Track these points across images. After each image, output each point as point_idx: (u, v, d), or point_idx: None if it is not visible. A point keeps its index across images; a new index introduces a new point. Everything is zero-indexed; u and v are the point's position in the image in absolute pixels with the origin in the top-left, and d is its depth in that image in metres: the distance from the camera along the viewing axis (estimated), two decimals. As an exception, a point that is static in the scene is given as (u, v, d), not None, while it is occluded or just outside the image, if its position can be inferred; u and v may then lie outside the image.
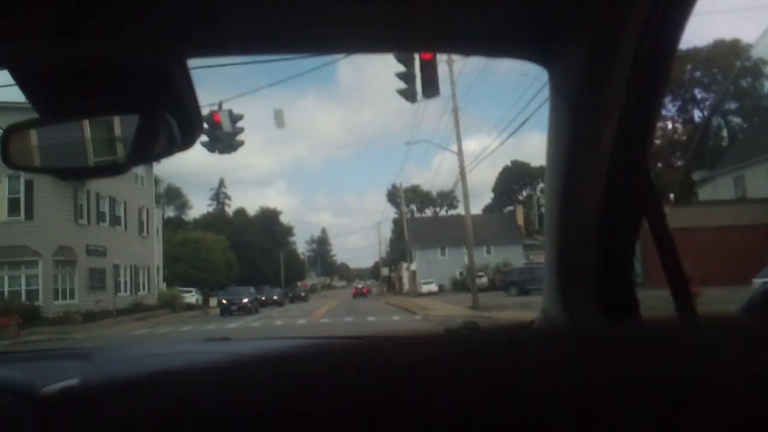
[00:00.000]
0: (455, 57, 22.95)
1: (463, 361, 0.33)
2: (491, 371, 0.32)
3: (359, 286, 73.58)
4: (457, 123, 24.67)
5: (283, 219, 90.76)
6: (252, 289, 39.02)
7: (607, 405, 0.29)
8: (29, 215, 26.31)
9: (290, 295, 55.85)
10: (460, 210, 50.60)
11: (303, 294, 59.17)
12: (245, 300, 34.05)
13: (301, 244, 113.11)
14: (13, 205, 26.31)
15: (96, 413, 0.33)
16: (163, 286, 40.20)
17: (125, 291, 32.18)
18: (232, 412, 0.31)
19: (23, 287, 25.92)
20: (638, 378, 0.30)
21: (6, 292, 25.28)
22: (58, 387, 1.27)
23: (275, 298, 44.49)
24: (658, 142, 39.30)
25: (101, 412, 0.33)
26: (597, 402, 0.29)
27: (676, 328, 0.39)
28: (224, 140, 14.02)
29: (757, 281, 14.10)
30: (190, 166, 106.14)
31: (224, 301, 34.14)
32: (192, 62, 1.12)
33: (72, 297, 27.57)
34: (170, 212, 70.55)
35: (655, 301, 1.33)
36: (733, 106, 46.11)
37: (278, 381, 0.34)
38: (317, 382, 0.32)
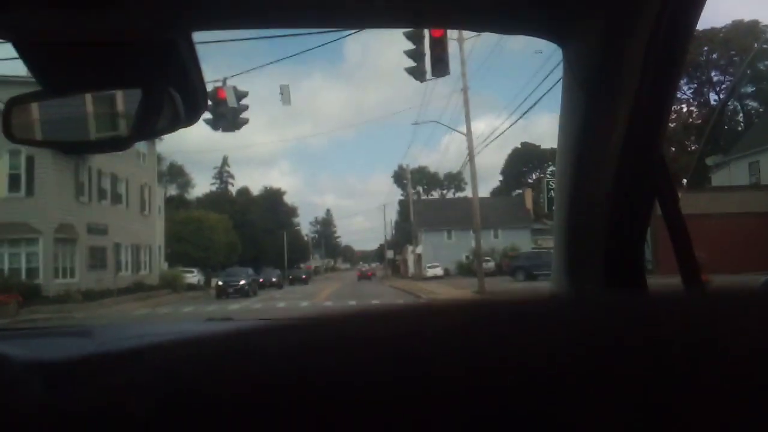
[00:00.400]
0: (466, 35, 22.58)
1: (472, 331, 0.33)
2: (500, 341, 0.32)
3: (364, 268, 73.66)
4: (466, 103, 24.18)
5: (288, 199, 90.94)
6: (250, 271, 37.13)
7: (616, 374, 0.29)
8: (30, 192, 26.10)
9: (290, 277, 54.38)
10: (468, 192, 50.32)
11: (304, 276, 56.87)
12: (242, 282, 32.45)
13: (305, 225, 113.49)
14: (13, 182, 26.07)
15: (97, 380, 0.34)
16: (165, 265, 40.08)
17: (126, 270, 31.99)
18: (234, 381, 0.31)
19: (23, 265, 25.74)
20: (648, 347, 0.30)
21: (6, 270, 25.15)
22: (60, 359, 0.99)
23: (274, 280, 42.89)
24: (672, 125, 38.93)
25: (102, 379, 0.34)
26: (606, 371, 0.29)
27: (685, 298, 0.40)
28: (228, 117, 13.91)
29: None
30: (194, 144, 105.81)
31: (220, 284, 32.77)
32: (197, 37, 1.11)
33: (72, 275, 27.41)
34: (172, 190, 70.30)
35: (665, 287, 0.99)
36: (750, 89, 45.62)
37: (281, 353, 0.34)
38: (322, 355, 0.32)
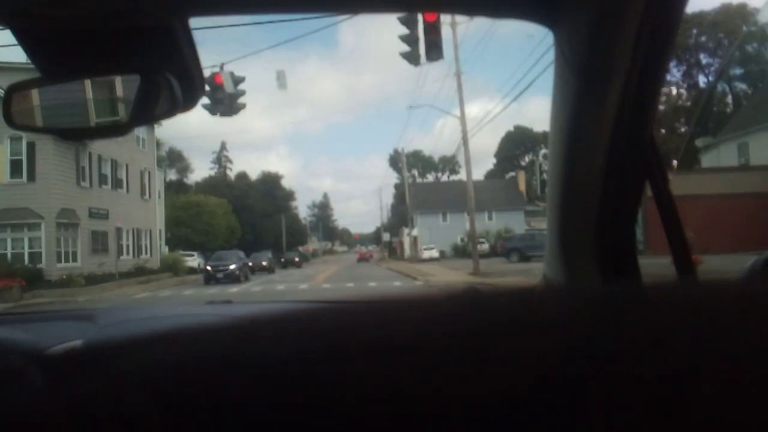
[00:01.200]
0: (459, 19, 22.82)
1: (466, 321, 0.33)
2: (494, 331, 0.31)
3: (363, 251, 78.41)
4: (460, 87, 24.50)
5: (285, 183, 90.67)
6: (241, 254, 34.27)
7: (608, 365, 0.28)
8: (31, 177, 26.23)
9: (281, 260, 50.89)
10: (462, 176, 50.49)
11: (296, 259, 52.90)
12: (233, 266, 30.08)
13: (302, 209, 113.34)
14: (15, 167, 26.20)
15: (100, 369, 0.33)
16: (165, 249, 40.09)
17: (128, 254, 32.23)
18: (236, 366, 0.30)
19: (26, 250, 25.96)
20: (640, 337, 0.29)
21: (9, 255, 25.34)
22: (63, 347, 1.29)
23: (264, 264, 39.75)
24: (662, 107, 39.04)
25: (106, 367, 0.33)
26: (598, 361, 0.29)
27: (676, 288, 0.39)
28: (226, 103, 14.00)
29: None
30: (192, 129, 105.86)
31: (208, 268, 30.28)
32: (194, 23, 1.11)
33: (75, 260, 27.62)
34: (172, 175, 70.44)
35: (656, 268, 1.34)
36: (738, 71, 45.72)
37: (281, 338, 0.33)
38: (321, 341, 0.32)
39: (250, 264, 36.10)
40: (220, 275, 29.24)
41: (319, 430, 0.25)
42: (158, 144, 42.52)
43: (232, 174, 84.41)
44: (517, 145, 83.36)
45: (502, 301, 0.35)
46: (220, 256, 32.77)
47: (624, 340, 0.30)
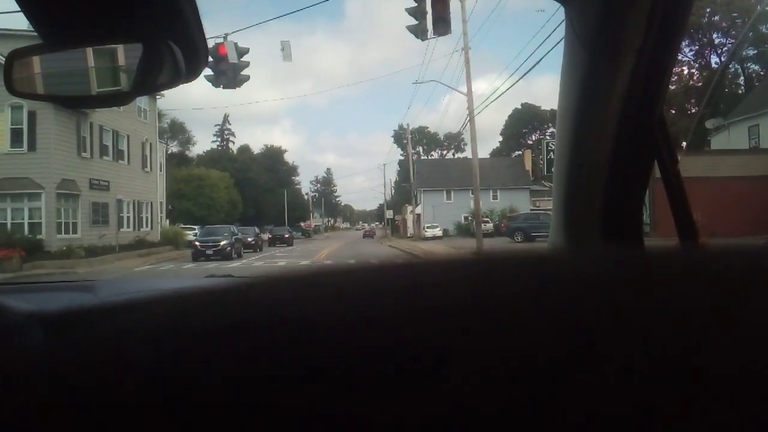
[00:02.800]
0: (468, -7, 22.35)
1: (471, 285, 0.33)
2: (503, 294, 0.31)
3: (367, 228, 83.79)
4: (467, 62, 24.05)
5: (288, 158, 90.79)
6: (233, 228, 31.65)
7: (614, 327, 0.28)
8: (32, 147, 26.06)
9: (269, 236, 45.48)
10: (467, 153, 50.25)
11: (286, 235, 47.01)
12: (223, 243, 27.72)
13: (305, 184, 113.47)
14: (16, 136, 26.02)
15: (98, 327, 0.34)
16: (166, 222, 39.96)
17: (128, 227, 32.08)
18: (238, 328, 0.31)
19: (26, 220, 25.83)
20: (649, 305, 0.29)
21: (9, 225, 25.23)
22: (61, 310, 1.22)
23: (249, 240, 34.35)
24: (672, 87, 38.66)
25: (104, 326, 0.34)
26: (603, 324, 0.28)
27: (685, 253, 0.39)
28: (229, 74, 13.77)
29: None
30: (195, 101, 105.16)
31: (197, 244, 28.06)
32: None
33: (75, 231, 27.51)
34: (174, 147, 70.14)
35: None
36: (751, 52, 45.24)
37: (284, 300, 0.34)
38: (320, 307, 0.32)
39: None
40: (209, 252, 27.12)
41: (323, 401, 0.25)
42: (160, 115, 42.26)
43: (234, 147, 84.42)
44: (524, 123, 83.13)
45: (508, 265, 0.36)
46: (209, 231, 30.40)
47: (635, 305, 0.29)
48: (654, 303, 0.29)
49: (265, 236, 43.77)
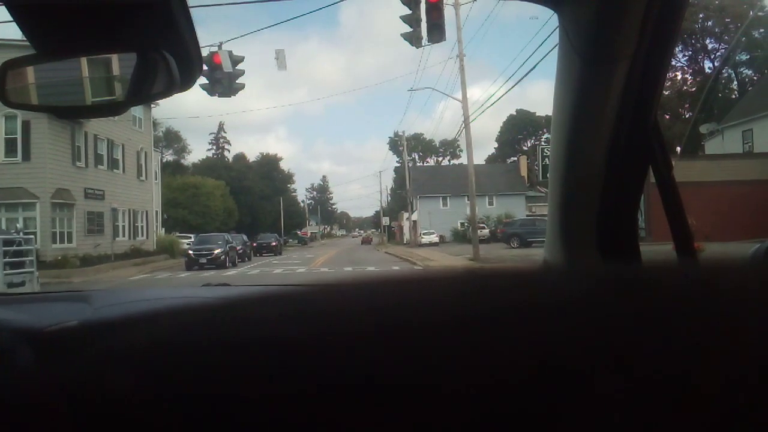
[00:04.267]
0: (462, 0, 22.41)
1: (466, 304, 0.33)
2: (494, 314, 0.31)
3: (365, 235, 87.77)
4: (462, 69, 24.09)
5: (284, 165, 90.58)
6: (227, 236, 30.79)
7: (612, 347, 0.28)
8: (26, 156, 25.97)
9: (253, 244, 41.13)
10: (463, 160, 50.22)
11: (273, 243, 44.33)
12: (217, 251, 27.13)
13: (301, 191, 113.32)
14: (10, 146, 25.95)
15: (91, 347, 0.33)
16: (162, 231, 39.84)
17: (123, 236, 31.96)
18: (231, 343, 0.30)
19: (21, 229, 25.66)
20: (643, 321, 0.29)
21: (3, 235, 25.05)
22: (56, 326, 1.24)
23: (238, 249, 31.79)
24: (666, 92, 38.77)
25: (96, 345, 0.33)
26: (601, 344, 0.29)
27: (678, 270, 0.40)
28: (224, 83, 13.77)
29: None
30: (190, 110, 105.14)
31: (190, 252, 27.61)
32: (192, 0, 1.08)
33: (70, 240, 27.40)
34: (169, 156, 69.96)
35: (657, 255, 1.16)
36: (744, 57, 45.42)
37: (278, 320, 0.33)
38: (320, 320, 0.32)
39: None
40: (203, 260, 26.60)
41: (318, 416, 0.25)
42: (155, 124, 42.15)
43: (230, 155, 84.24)
44: (519, 129, 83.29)
45: (502, 282, 0.36)
46: (203, 239, 29.75)
47: (627, 323, 0.29)
48: (640, 324, 0.29)
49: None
